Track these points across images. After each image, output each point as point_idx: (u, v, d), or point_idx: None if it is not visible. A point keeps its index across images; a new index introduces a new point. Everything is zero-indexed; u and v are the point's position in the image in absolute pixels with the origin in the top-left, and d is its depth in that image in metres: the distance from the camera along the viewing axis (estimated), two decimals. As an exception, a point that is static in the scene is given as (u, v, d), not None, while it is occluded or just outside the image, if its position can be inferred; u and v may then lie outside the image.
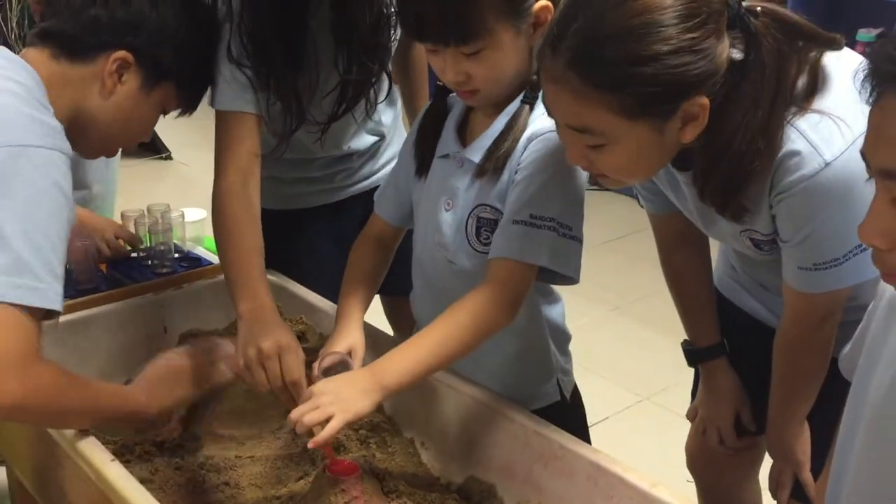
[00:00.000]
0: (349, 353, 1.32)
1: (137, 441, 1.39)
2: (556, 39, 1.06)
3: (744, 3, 1.08)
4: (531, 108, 1.27)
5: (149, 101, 1.36)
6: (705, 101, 1.06)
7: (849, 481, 0.99)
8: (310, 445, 1.15)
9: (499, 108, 1.29)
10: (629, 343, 3.08)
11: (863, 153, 0.81)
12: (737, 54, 1.08)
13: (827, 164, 1.10)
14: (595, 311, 3.26)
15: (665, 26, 1.02)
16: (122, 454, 1.31)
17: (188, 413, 1.41)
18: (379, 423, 1.43)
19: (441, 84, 1.34)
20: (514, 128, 1.27)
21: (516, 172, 1.26)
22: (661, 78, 1.02)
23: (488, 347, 1.36)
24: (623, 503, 1.16)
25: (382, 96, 1.66)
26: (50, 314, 1.12)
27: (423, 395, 1.43)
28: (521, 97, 1.27)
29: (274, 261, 1.71)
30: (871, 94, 0.79)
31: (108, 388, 1.28)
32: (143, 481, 1.18)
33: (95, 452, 1.20)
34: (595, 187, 4.94)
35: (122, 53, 1.31)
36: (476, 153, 1.30)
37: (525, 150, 1.26)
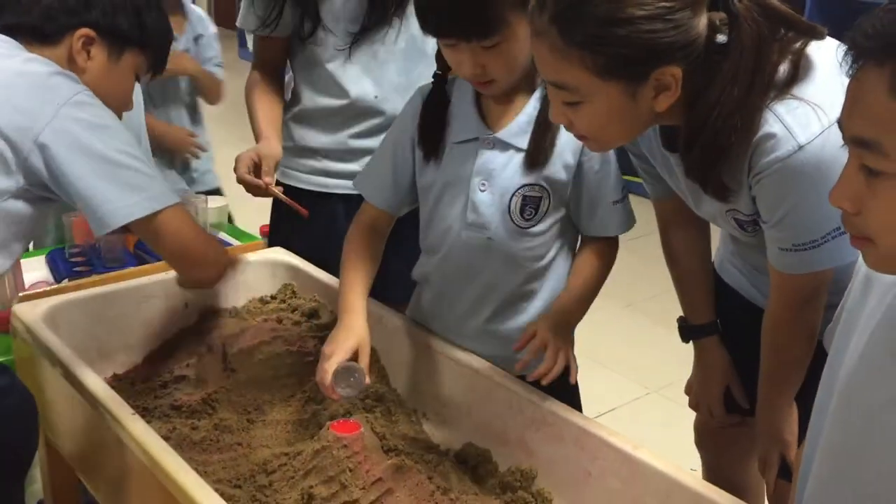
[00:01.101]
0: (356, 352, 1.34)
1: (157, 404, 1.48)
2: None
3: None
4: None
5: (120, 69, 1.44)
6: (677, 71, 1.11)
7: (822, 441, 1.03)
8: (544, 381, 1.33)
9: (512, 92, 1.36)
10: (639, 338, 3.15)
11: (839, 122, 0.86)
12: (721, 38, 1.13)
13: (801, 147, 1.15)
14: (608, 307, 3.29)
15: None
16: (143, 415, 1.38)
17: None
18: (384, 394, 1.50)
19: (439, 73, 1.41)
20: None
21: (580, 158, 1.39)
22: (633, 41, 1.08)
23: (491, 323, 1.45)
24: (607, 464, 1.23)
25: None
26: None
27: (427, 370, 1.50)
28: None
29: (300, 238, 1.78)
30: (850, 68, 0.84)
31: None
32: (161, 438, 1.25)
33: (119, 409, 1.27)
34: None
35: (84, 31, 1.38)
36: (514, 136, 1.37)
37: None
